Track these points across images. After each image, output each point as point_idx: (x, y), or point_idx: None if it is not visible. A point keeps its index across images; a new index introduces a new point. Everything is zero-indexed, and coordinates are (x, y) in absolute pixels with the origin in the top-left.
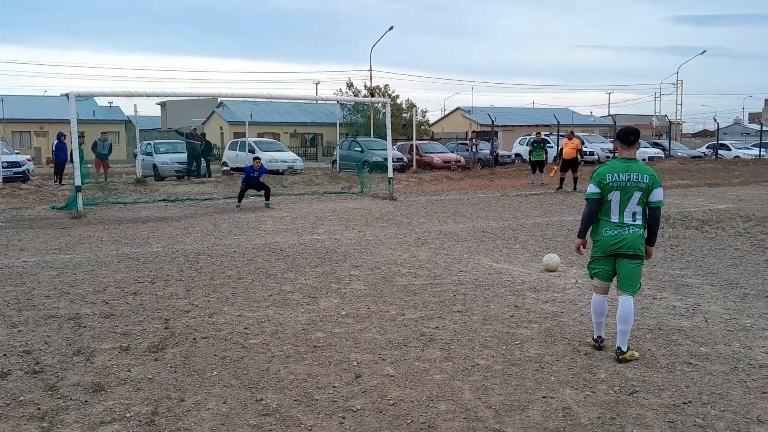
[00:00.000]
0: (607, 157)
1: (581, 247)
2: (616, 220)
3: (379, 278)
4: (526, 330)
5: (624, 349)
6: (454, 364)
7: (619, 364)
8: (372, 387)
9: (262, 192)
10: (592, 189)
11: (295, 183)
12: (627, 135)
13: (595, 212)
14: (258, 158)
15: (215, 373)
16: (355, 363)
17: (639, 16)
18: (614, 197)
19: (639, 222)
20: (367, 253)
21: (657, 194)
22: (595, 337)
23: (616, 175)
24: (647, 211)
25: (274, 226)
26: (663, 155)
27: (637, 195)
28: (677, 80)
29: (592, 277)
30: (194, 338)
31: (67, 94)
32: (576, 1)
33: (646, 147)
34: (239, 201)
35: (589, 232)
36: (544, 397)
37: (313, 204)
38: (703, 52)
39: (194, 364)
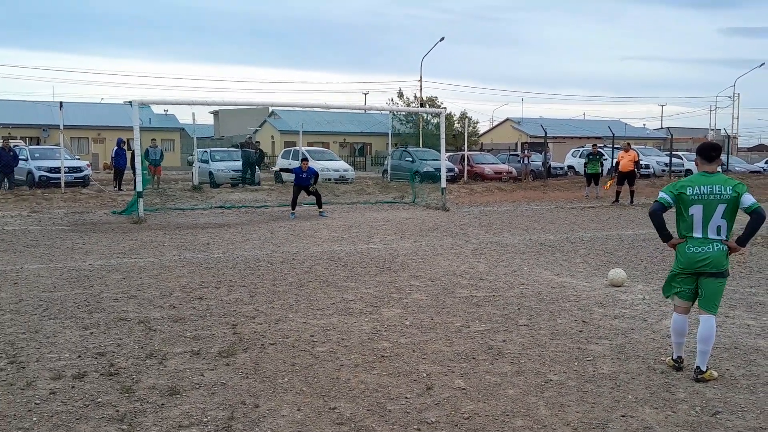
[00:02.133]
0: (663, 170)
1: (676, 245)
2: (700, 236)
3: (440, 289)
4: (597, 346)
5: (703, 368)
6: (526, 379)
7: (698, 384)
8: (444, 399)
9: (314, 199)
10: (663, 195)
11: (347, 192)
12: (708, 150)
13: (660, 213)
14: (306, 159)
15: (286, 379)
16: (425, 374)
17: (691, 28)
18: (696, 211)
19: (723, 237)
20: (425, 264)
21: (747, 199)
22: (674, 357)
23: (697, 188)
24: (748, 217)
25: (330, 234)
26: (720, 170)
27: (721, 208)
28: (734, 93)
29: (668, 297)
30: (262, 344)
31: (130, 102)
32: (625, 12)
33: None
34: (293, 207)
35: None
36: (623, 416)
37: (366, 213)
38: (761, 65)
39: (265, 370)
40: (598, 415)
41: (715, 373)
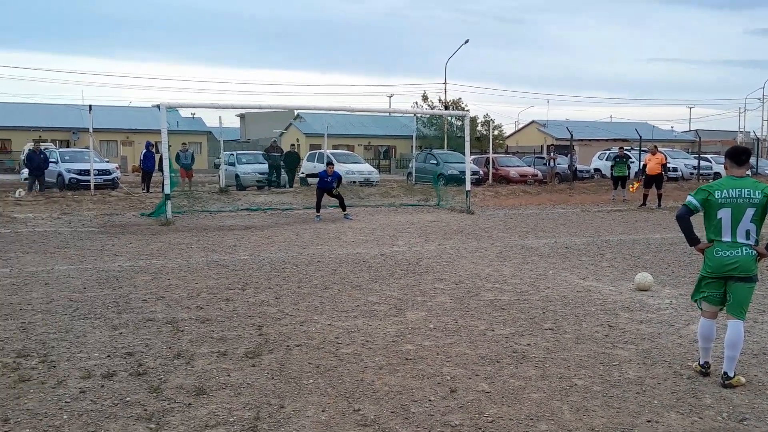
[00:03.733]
0: (691, 173)
1: (704, 250)
2: (729, 240)
3: (464, 292)
4: (623, 351)
5: (731, 374)
6: (551, 383)
7: (725, 390)
8: (468, 402)
9: (337, 202)
10: (691, 199)
11: (372, 195)
12: (738, 154)
13: (687, 217)
14: (331, 164)
15: (311, 381)
16: (449, 377)
17: (718, 29)
18: (725, 215)
19: (752, 241)
20: (449, 267)
21: None
22: (701, 363)
23: (726, 191)
24: None
25: (354, 237)
26: (750, 172)
27: (750, 212)
28: (763, 95)
29: (695, 301)
30: (288, 345)
31: (158, 105)
32: (651, 14)
33: None
34: (318, 210)
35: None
36: (648, 422)
37: (391, 216)
38: None
39: (290, 372)
40: (624, 420)
41: (743, 379)
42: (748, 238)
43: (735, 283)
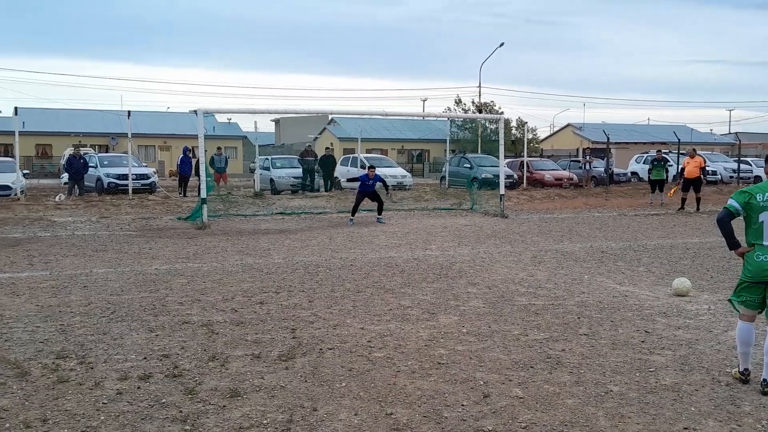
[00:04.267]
0: (731, 177)
1: (744, 254)
2: None
3: (498, 297)
4: (660, 357)
5: None
6: (586, 389)
7: (765, 397)
8: (501, 408)
9: (376, 205)
10: (731, 202)
11: (405, 199)
12: None
13: (728, 220)
14: (373, 167)
15: (344, 384)
16: (482, 382)
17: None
18: (766, 218)
19: None
20: (482, 271)
21: None
22: (740, 369)
23: (763, 193)
24: None
25: (387, 241)
26: None
27: None
28: None
29: (734, 305)
30: (321, 349)
31: (195, 111)
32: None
33: None
34: (353, 214)
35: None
36: (685, 429)
37: (424, 220)
38: None
39: (323, 375)
40: (660, 428)
41: None
42: None
43: None
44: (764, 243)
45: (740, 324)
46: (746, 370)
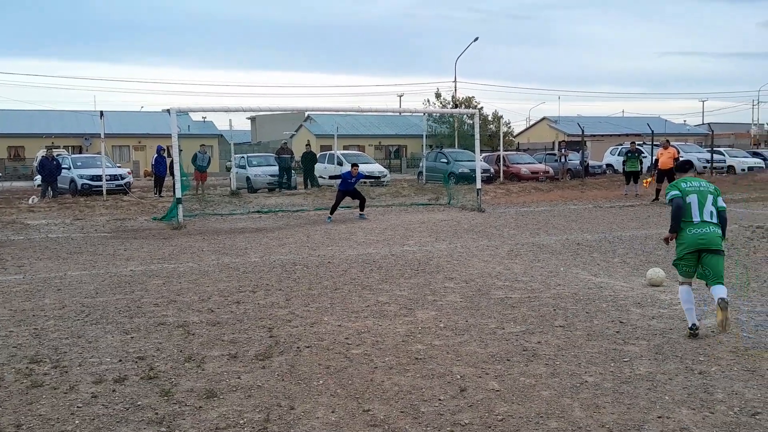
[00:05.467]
0: (704, 167)
1: (668, 239)
2: (698, 219)
3: (475, 291)
4: (634, 347)
5: (726, 297)
6: (561, 381)
7: (737, 384)
8: (478, 401)
9: (357, 202)
10: (674, 192)
11: (383, 194)
12: (684, 164)
13: (682, 206)
14: (356, 165)
15: (321, 382)
16: (459, 376)
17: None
18: (693, 200)
19: (716, 221)
20: (459, 265)
21: (721, 201)
22: (689, 326)
23: (689, 183)
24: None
25: (365, 237)
26: (764, 165)
27: (710, 198)
28: None
29: (678, 269)
30: (298, 347)
31: (168, 110)
32: (662, 7)
33: (745, 157)
34: (332, 212)
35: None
36: (659, 417)
37: (402, 215)
38: None
39: (300, 373)
40: (634, 417)
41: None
42: (712, 218)
43: (706, 255)
44: (693, 220)
45: (680, 288)
46: (694, 325)
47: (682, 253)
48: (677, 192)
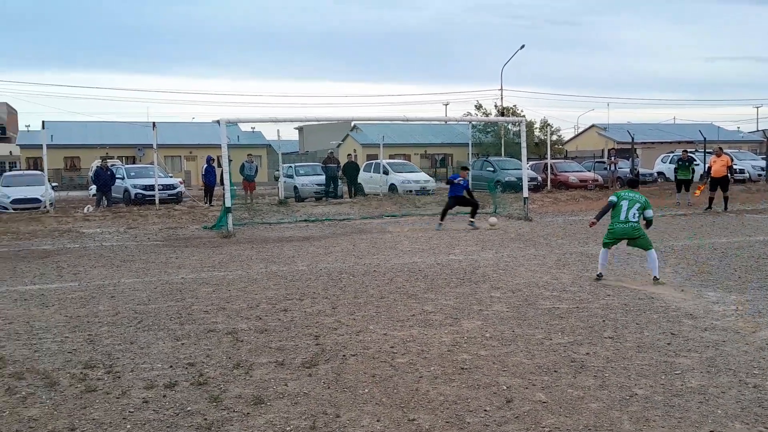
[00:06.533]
0: (759, 175)
1: (592, 225)
2: (624, 218)
3: (522, 300)
4: (686, 359)
5: (658, 276)
6: (610, 393)
7: None
8: (524, 413)
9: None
10: (612, 197)
11: (428, 203)
12: (633, 181)
13: (609, 206)
14: (466, 168)
15: (366, 390)
16: (505, 387)
17: None
18: (623, 204)
19: (635, 220)
20: (506, 275)
21: (649, 212)
22: (597, 274)
23: (627, 193)
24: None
25: (410, 246)
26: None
27: (637, 205)
28: None
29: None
30: (344, 355)
31: (218, 121)
32: (709, 11)
33: None
34: (442, 219)
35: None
36: None
37: (447, 224)
38: None
39: (346, 381)
40: (685, 431)
41: (665, 281)
42: (633, 218)
43: (633, 240)
44: (620, 218)
45: (602, 250)
46: (600, 274)
47: (608, 237)
48: (615, 198)
